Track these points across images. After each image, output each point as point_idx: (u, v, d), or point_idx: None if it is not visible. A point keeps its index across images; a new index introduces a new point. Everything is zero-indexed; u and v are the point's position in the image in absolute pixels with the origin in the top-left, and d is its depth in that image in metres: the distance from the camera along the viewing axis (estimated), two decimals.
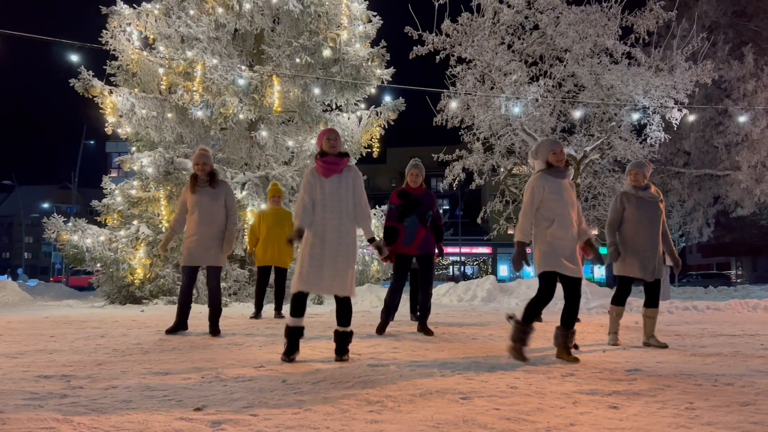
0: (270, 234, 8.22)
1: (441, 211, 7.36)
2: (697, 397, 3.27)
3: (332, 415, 2.82)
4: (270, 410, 2.91)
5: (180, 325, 6.27)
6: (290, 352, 4.45)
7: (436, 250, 6.60)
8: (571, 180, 4.83)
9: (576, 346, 4.93)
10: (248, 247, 8.47)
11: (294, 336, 4.49)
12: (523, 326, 4.54)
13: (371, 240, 4.72)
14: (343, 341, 4.57)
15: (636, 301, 10.50)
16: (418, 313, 6.75)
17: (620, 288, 5.67)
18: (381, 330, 6.35)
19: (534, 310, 4.60)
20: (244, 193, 11.66)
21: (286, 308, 8.92)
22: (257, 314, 8.27)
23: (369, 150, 13.71)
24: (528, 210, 4.64)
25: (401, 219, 6.28)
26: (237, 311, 9.63)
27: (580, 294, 4.64)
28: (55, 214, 12.21)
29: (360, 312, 9.63)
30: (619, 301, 5.68)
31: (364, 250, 13.10)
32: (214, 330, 6.13)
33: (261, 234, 8.30)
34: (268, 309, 8.79)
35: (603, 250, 5.90)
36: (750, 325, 7.69)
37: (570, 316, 4.64)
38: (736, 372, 4.08)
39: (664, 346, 5.43)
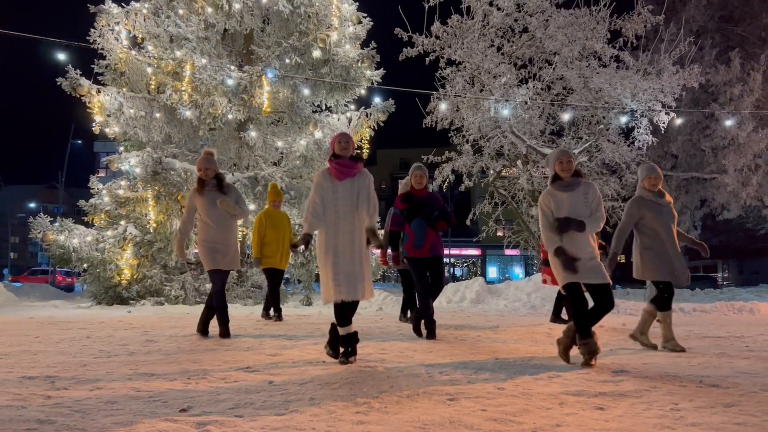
0: (272, 237, 8.24)
1: (435, 213, 7.15)
2: (682, 398, 3.29)
3: (319, 417, 2.81)
4: (256, 411, 2.90)
5: (226, 332, 6.07)
6: (350, 354, 4.44)
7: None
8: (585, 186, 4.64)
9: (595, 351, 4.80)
10: (254, 250, 8.31)
11: (351, 341, 4.47)
12: (584, 339, 4.43)
13: (369, 228, 4.50)
14: (352, 342, 4.51)
15: (623, 303, 10.57)
16: (409, 314, 6.72)
17: (665, 291, 5.41)
18: (434, 334, 6.14)
19: (577, 320, 4.48)
20: None
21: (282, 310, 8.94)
22: (279, 315, 8.28)
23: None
24: (544, 225, 4.62)
25: (408, 222, 6.24)
26: (234, 312, 9.57)
27: (609, 299, 4.49)
28: (41, 213, 12.12)
29: None
30: (665, 306, 5.43)
31: None
32: (226, 331, 6.07)
33: (267, 238, 8.27)
34: (257, 309, 8.75)
35: None
36: (736, 327, 7.76)
37: (596, 317, 4.54)
38: (721, 373, 4.11)
39: (682, 350, 5.34)
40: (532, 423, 2.73)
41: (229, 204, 6.06)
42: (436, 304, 11.84)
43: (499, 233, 29.63)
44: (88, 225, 12.47)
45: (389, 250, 6.55)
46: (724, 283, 45.35)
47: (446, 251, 50.15)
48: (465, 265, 53.55)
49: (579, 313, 4.48)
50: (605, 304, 4.46)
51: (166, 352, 4.97)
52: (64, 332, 6.44)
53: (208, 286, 11.41)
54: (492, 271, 50.02)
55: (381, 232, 8.03)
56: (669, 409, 3.02)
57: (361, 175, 4.62)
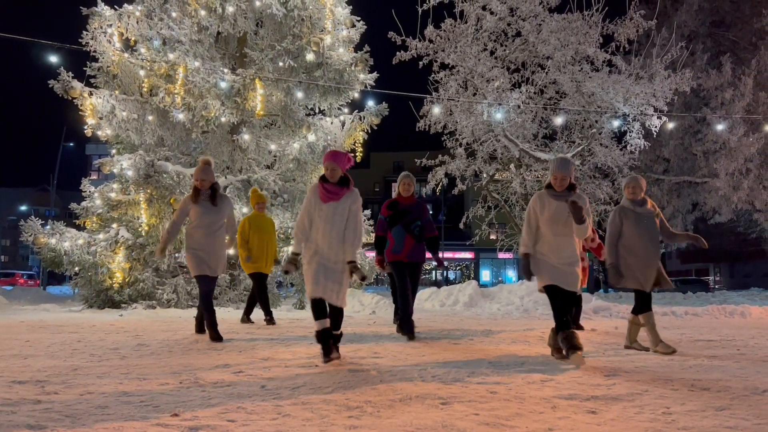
0: (255, 241, 8.18)
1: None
2: (674, 401, 3.30)
3: (311, 421, 2.80)
4: (248, 416, 2.89)
5: (216, 336, 6.15)
6: (327, 354, 4.60)
7: (434, 261, 6.89)
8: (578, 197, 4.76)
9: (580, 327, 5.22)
10: (240, 254, 8.35)
11: (325, 337, 4.66)
12: (564, 333, 4.70)
13: (350, 262, 4.76)
14: (334, 341, 4.78)
15: (615, 306, 10.60)
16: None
17: (638, 299, 5.60)
18: (412, 334, 6.36)
19: (555, 315, 4.77)
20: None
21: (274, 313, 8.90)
22: (270, 319, 8.20)
23: (352, 154, 13.67)
24: (525, 227, 4.93)
25: (390, 228, 6.53)
26: (217, 316, 9.54)
27: (573, 302, 4.89)
28: (32, 216, 12.04)
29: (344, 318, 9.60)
30: (643, 308, 5.57)
31: None
32: (216, 334, 6.18)
33: (251, 242, 8.24)
34: (239, 312, 8.66)
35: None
36: (727, 331, 7.79)
37: (563, 317, 4.80)
38: (712, 377, 4.13)
39: (646, 349, 5.56)
40: (525, 427, 2.73)
41: (229, 242, 6.47)
42: (428, 307, 11.85)
43: (492, 236, 29.73)
44: (80, 228, 12.40)
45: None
46: (716, 286, 45.58)
47: (440, 254, 50.17)
48: (458, 268, 53.61)
49: (556, 309, 4.74)
50: (553, 304, 4.80)
51: (157, 356, 4.94)
52: (55, 336, 6.40)
53: (232, 294, 11.44)
54: (485, 275, 50.10)
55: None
56: (661, 413, 3.03)
57: (348, 197, 4.77)
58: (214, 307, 6.53)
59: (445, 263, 52.15)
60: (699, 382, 3.89)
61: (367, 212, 14.13)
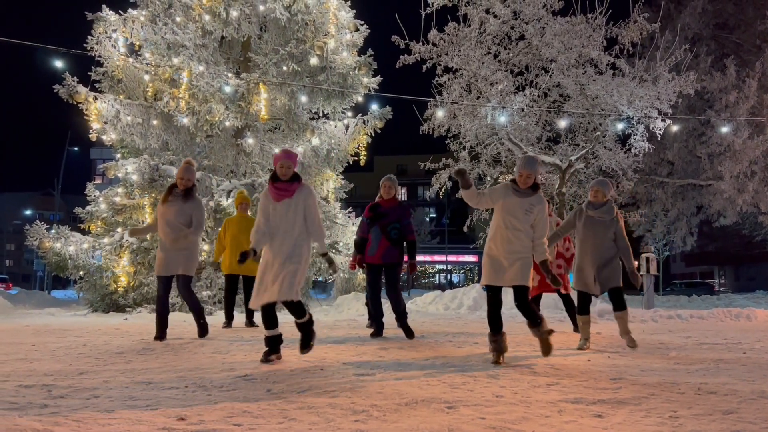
0: (234, 242, 8.13)
1: (427, 219, 7.56)
2: (680, 405, 3.29)
3: (317, 425, 2.80)
4: (254, 419, 2.89)
5: (162, 335, 6.36)
6: (269, 353, 4.81)
7: (405, 264, 6.95)
8: (539, 202, 4.92)
9: (550, 331, 5.19)
10: (214, 256, 8.46)
11: (275, 343, 4.84)
12: (495, 336, 4.87)
13: (324, 254, 4.98)
14: (305, 330, 4.82)
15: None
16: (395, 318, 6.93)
17: (579, 299, 5.94)
18: (377, 334, 6.82)
19: (489, 318, 4.94)
20: (230, 200, 11.59)
21: (258, 317, 8.81)
22: (228, 323, 8.11)
23: (356, 158, 13.70)
24: (480, 196, 4.99)
25: (369, 229, 6.73)
26: (221, 319, 9.55)
27: (524, 299, 4.94)
28: (37, 221, 12.06)
29: (346, 320, 9.59)
30: (580, 311, 5.95)
31: (350, 259, 13.07)
32: (203, 332, 6.53)
33: (226, 242, 8.25)
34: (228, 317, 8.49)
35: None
36: (733, 334, 7.76)
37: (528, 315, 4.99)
38: (719, 380, 4.11)
39: (633, 346, 5.77)
40: (531, 431, 2.73)
41: (181, 237, 6.35)
42: (432, 310, 11.84)
43: None
44: (85, 232, 12.42)
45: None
46: (721, 289, 45.39)
47: (443, 257, 50.19)
48: (462, 271, 53.54)
49: (492, 312, 4.90)
50: (520, 303, 4.94)
51: (163, 359, 4.95)
52: (61, 340, 6.41)
53: (205, 293, 11.36)
54: None
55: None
56: (668, 417, 3.02)
57: (299, 192, 4.80)
58: (209, 312, 6.75)
59: (448, 266, 52.11)
60: (705, 386, 3.88)
61: None
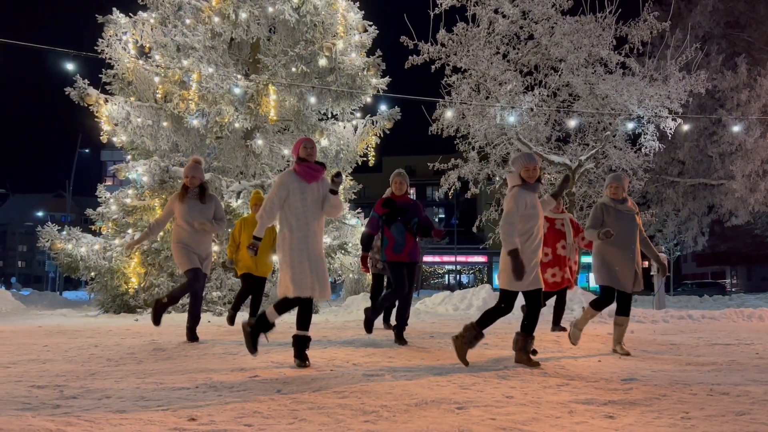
0: (243, 241, 7.85)
1: (436, 220, 7.32)
2: (692, 406, 3.26)
3: (327, 426, 2.80)
4: (264, 420, 2.90)
5: (195, 335, 6.33)
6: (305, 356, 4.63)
7: (434, 236, 6.59)
8: (549, 194, 5.04)
9: (534, 351, 5.04)
10: (227, 254, 8.18)
11: (264, 329, 4.61)
12: (477, 330, 4.69)
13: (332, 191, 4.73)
14: (302, 346, 4.64)
15: (632, 309, 10.49)
16: (394, 323, 6.65)
17: (603, 296, 5.70)
18: (369, 328, 6.46)
19: (486, 318, 4.74)
20: (240, 201, 11.64)
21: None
22: (232, 321, 7.92)
23: (365, 159, 13.71)
24: (510, 220, 4.77)
25: (388, 226, 6.22)
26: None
27: (537, 303, 4.77)
28: (49, 222, 12.15)
29: (355, 321, 9.60)
30: (597, 306, 5.75)
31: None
32: (193, 336, 6.34)
33: (241, 241, 7.97)
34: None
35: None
36: (745, 334, 7.70)
37: (530, 322, 4.79)
38: (731, 381, 4.08)
39: (627, 354, 5.55)
40: None
41: (204, 224, 6.23)
42: (442, 311, 11.82)
43: None
44: (96, 234, 12.50)
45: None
46: (733, 289, 45.06)
47: (452, 258, 50.11)
48: (471, 272, 53.42)
49: (494, 315, 4.73)
50: (534, 308, 4.75)
51: (173, 360, 4.97)
52: (72, 341, 6.45)
53: (215, 293, 11.40)
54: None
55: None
56: (680, 418, 3.00)
57: (323, 180, 4.75)
58: (218, 312, 6.61)
59: (458, 266, 52.01)
60: (718, 387, 3.85)
61: None
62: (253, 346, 4.59)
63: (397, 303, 6.52)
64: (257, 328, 4.58)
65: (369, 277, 13.25)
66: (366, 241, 6.41)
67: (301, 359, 4.60)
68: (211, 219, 6.34)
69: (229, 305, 11.49)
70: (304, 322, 4.63)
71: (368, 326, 6.44)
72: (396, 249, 6.14)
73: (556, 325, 7.67)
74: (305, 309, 4.61)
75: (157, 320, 6.15)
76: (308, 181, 4.61)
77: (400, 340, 6.24)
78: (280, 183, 4.61)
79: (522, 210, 4.70)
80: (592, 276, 6.18)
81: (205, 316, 10.22)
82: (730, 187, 17.83)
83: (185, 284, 6.27)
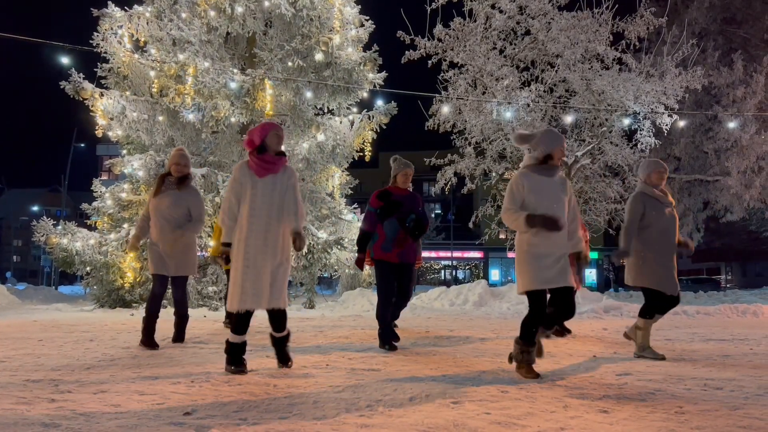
0: None
1: (433, 215, 6.90)
2: (686, 401, 3.28)
3: (323, 420, 2.81)
4: (260, 415, 2.90)
5: (152, 342, 5.45)
6: (238, 363, 4.12)
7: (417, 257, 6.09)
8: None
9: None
10: (213, 248, 7.55)
11: (239, 351, 4.15)
12: (524, 346, 4.00)
13: (295, 233, 4.19)
14: (282, 346, 4.31)
15: (626, 305, 10.55)
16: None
17: (652, 301, 5.01)
18: (388, 345, 5.49)
19: (530, 326, 4.02)
20: None
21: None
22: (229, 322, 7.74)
23: (361, 154, 13.71)
24: (509, 208, 4.14)
25: (381, 221, 5.59)
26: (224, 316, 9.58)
27: (571, 304, 4.07)
28: (44, 217, 12.11)
29: (352, 316, 9.61)
30: (650, 313, 5.03)
31: (356, 255, 13.07)
32: (180, 337, 5.87)
33: None
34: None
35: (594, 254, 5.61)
36: (739, 330, 7.73)
37: (552, 322, 4.21)
38: (725, 376, 4.10)
39: (663, 357, 4.99)
40: (537, 426, 2.73)
41: (178, 237, 5.61)
42: (438, 306, 11.84)
43: (502, 236, 29.59)
44: (91, 228, 12.47)
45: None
46: (728, 285, 45.22)
47: (448, 253, 50.19)
48: (467, 267, 53.49)
49: (536, 321, 4.01)
50: (565, 310, 4.02)
51: (169, 355, 4.97)
52: (68, 335, 6.45)
53: (211, 288, 11.40)
54: (494, 274, 49.94)
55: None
56: (674, 413, 3.01)
57: (285, 172, 4.24)
58: (214, 308, 6.22)
59: (454, 262, 52.05)
60: (712, 382, 3.87)
61: None
62: (240, 368, 4.10)
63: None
64: (233, 360, 4.14)
65: (365, 271, 13.28)
66: (362, 240, 5.68)
67: (282, 361, 4.30)
68: (186, 213, 5.66)
69: (224, 299, 11.47)
70: (277, 324, 4.25)
71: (385, 341, 5.53)
72: (385, 247, 5.54)
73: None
74: (275, 315, 4.23)
75: (151, 343, 5.43)
76: (260, 174, 4.16)
77: (390, 344, 5.56)
78: (232, 180, 4.21)
79: (519, 200, 4.15)
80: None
81: (200, 311, 10.24)
82: (726, 183, 17.86)
83: (150, 295, 5.69)
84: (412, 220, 5.58)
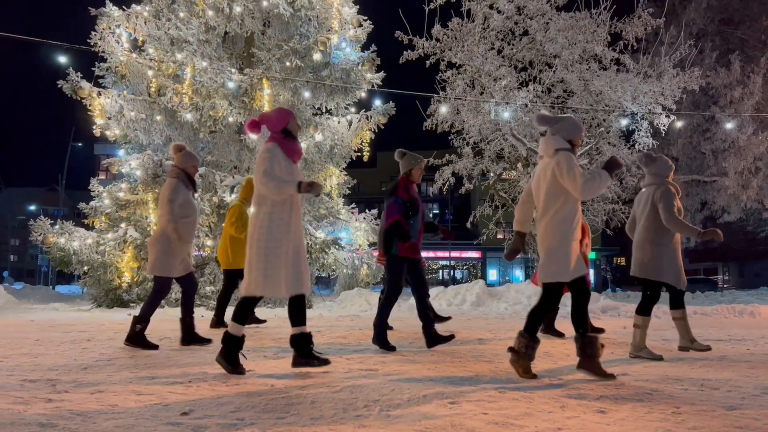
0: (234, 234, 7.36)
1: (431, 215, 6.82)
2: (683, 401, 3.29)
3: (319, 420, 2.81)
4: (257, 414, 2.90)
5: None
6: (237, 363, 4.03)
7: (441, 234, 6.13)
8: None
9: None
10: (228, 245, 7.34)
11: (239, 346, 4.06)
12: (528, 338, 3.95)
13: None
14: (307, 344, 4.18)
15: (623, 305, 10.56)
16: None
17: (655, 296, 5.10)
18: (388, 345, 5.43)
19: (538, 317, 4.01)
20: (233, 196, 11.62)
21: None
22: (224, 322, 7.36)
23: (359, 154, 13.71)
24: (582, 175, 3.92)
25: (406, 216, 5.42)
26: (227, 315, 9.56)
27: (587, 287, 4.04)
28: (42, 216, 12.10)
29: (349, 316, 9.62)
30: (648, 310, 5.09)
31: (354, 254, 13.08)
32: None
33: (230, 233, 7.32)
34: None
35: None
36: (736, 330, 7.75)
37: (581, 312, 4.06)
38: (722, 377, 4.11)
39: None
40: (534, 426, 2.73)
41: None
42: (436, 306, 11.83)
43: (500, 236, 29.69)
44: (89, 228, 12.45)
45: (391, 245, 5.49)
46: (725, 285, 45.33)
47: (446, 253, 50.15)
48: (465, 267, 53.52)
49: (545, 311, 4.03)
50: (584, 295, 3.99)
51: (166, 355, 4.96)
52: (65, 335, 6.43)
53: (208, 288, 11.39)
54: (492, 274, 49.99)
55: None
56: (671, 413, 3.02)
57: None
58: (211, 307, 6.11)
59: (452, 261, 52.08)
60: (709, 382, 3.88)
61: (374, 211, 14.16)
62: (236, 369, 4.00)
63: (416, 304, 5.64)
64: (230, 351, 4.03)
65: (363, 271, 13.28)
66: (402, 230, 5.36)
67: (305, 357, 4.16)
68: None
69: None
70: (301, 318, 4.18)
71: (379, 340, 5.47)
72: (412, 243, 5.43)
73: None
74: (300, 303, 4.16)
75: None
76: (295, 160, 4.16)
77: (432, 340, 5.56)
78: (273, 155, 4.02)
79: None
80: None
81: (198, 311, 10.22)
82: (723, 183, 17.92)
83: (152, 296, 5.52)
84: (431, 221, 5.65)
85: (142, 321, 5.34)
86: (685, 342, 5.37)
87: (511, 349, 4.00)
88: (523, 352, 3.94)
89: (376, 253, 11.97)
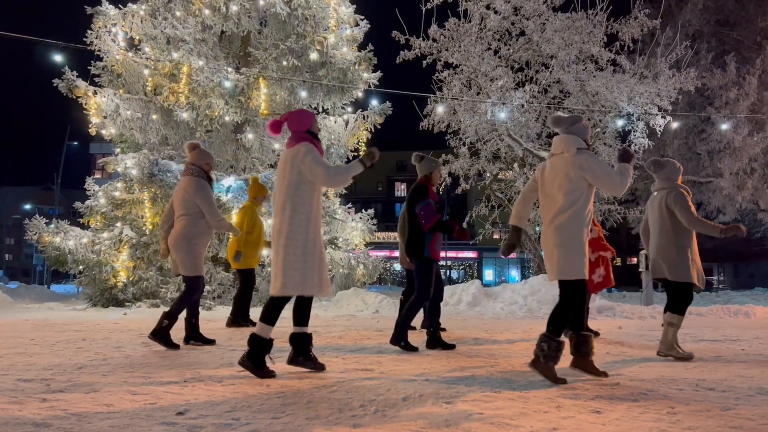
0: (257, 232, 7.51)
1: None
2: (678, 401, 3.30)
3: (315, 420, 2.80)
4: (253, 414, 2.90)
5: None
6: (265, 366, 3.98)
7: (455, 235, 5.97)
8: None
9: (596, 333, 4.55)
10: (237, 244, 7.35)
11: (267, 349, 3.99)
12: (558, 343, 3.84)
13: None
14: (306, 345, 4.17)
15: (619, 306, 10.58)
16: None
17: (689, 295, 5.15)
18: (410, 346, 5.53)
19: (562, 321, 3.92)
20: (230, 196, 11.61)
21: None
22: (251, 321, 7.56)
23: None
24: (608, 168, 3.99)
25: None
26: (222, 314, 9.57)
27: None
28: (37, 215, 12.05)
29: (345, 316, 9.61)
30: (683, 309, 5.12)
31: (350, 254, 13.07)
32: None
33: (246, 231, 7.33)
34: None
35: None
36: (731, 331, 7.77)
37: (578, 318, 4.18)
38: (717, 377, 4.12)
39: (691, 357, 5.07)
40: (529, 426, 2.73)
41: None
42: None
43: (496, 236, 29.73)
44: (84, 227, 12.42)
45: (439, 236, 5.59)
46: (720, 286, 45.47)
47: (442, 254, 50.21)
48: (461, 267, 53.58)
49: (571, 310, 3.97)
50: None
51: (162, 355, 4.95)
52: (60, 335, 6.42)
53: (205, 287, 11.35)
54: (488, 274, 50.07)
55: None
56: (665, 413, 3.02)
57: None
58: (208, 307, 6.11)
59: (448, 262, 52.09)
60: (703, 382, 3.89)
61: (371, 211, 14.17)
62: (263, 371, 3.93)
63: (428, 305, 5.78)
64: (256, 353, 3.95)
65: (359, 271, 13.28)
66: (446, 226, 5.48)
67: (262, 370, 3.97)
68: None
69: (218, 299, 11.47)
70: (305, 317, 4.19)
71: (399, 338, 5.51)
72: (438, 246, 5.57)
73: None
74: (307, 303, 4.17)
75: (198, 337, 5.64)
76: None
77: (433, 344, 5.64)
78: (319, 153, 4.09)
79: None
80: None
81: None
82: (718, 184, 17.96)
83: (185, 295, 5.51)
84: (448, 221, 5.58)
85: (170, 318, 5.34)
86: (665, 348, 5.14)
87: (536, 360, 3.84)
88: (552, 356, 3.79)
89: (379, 254, 11.95)
